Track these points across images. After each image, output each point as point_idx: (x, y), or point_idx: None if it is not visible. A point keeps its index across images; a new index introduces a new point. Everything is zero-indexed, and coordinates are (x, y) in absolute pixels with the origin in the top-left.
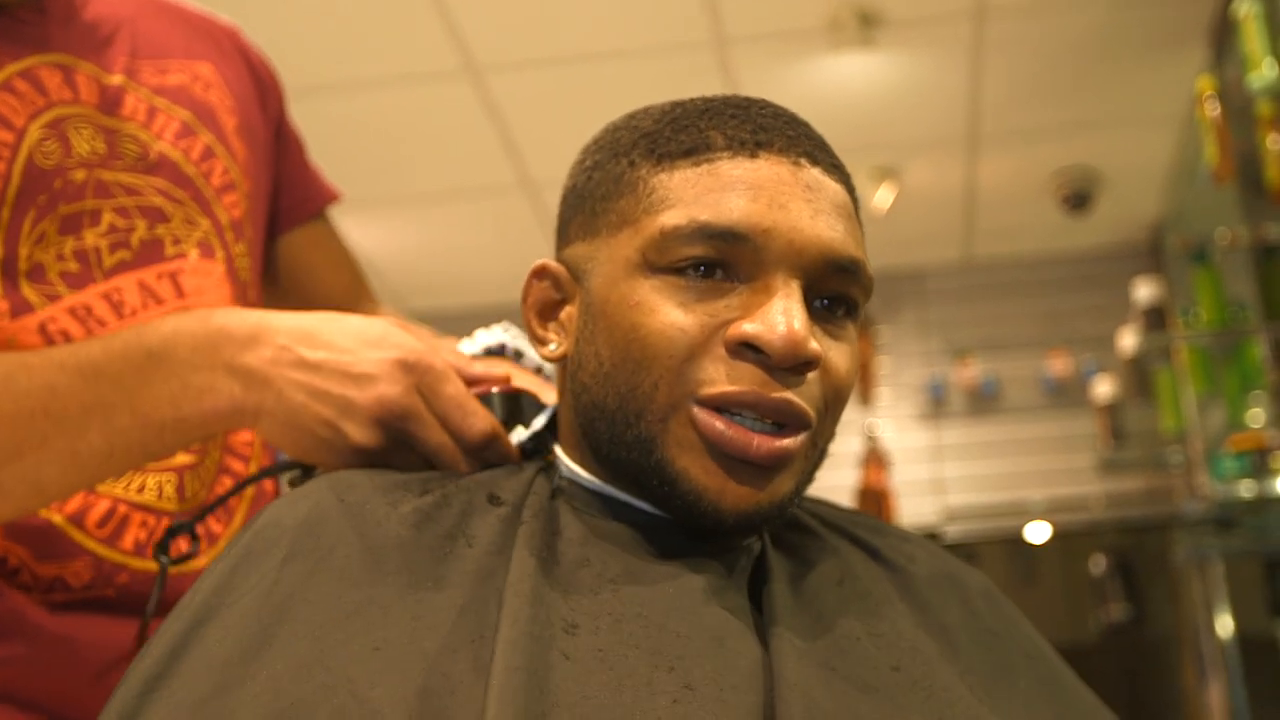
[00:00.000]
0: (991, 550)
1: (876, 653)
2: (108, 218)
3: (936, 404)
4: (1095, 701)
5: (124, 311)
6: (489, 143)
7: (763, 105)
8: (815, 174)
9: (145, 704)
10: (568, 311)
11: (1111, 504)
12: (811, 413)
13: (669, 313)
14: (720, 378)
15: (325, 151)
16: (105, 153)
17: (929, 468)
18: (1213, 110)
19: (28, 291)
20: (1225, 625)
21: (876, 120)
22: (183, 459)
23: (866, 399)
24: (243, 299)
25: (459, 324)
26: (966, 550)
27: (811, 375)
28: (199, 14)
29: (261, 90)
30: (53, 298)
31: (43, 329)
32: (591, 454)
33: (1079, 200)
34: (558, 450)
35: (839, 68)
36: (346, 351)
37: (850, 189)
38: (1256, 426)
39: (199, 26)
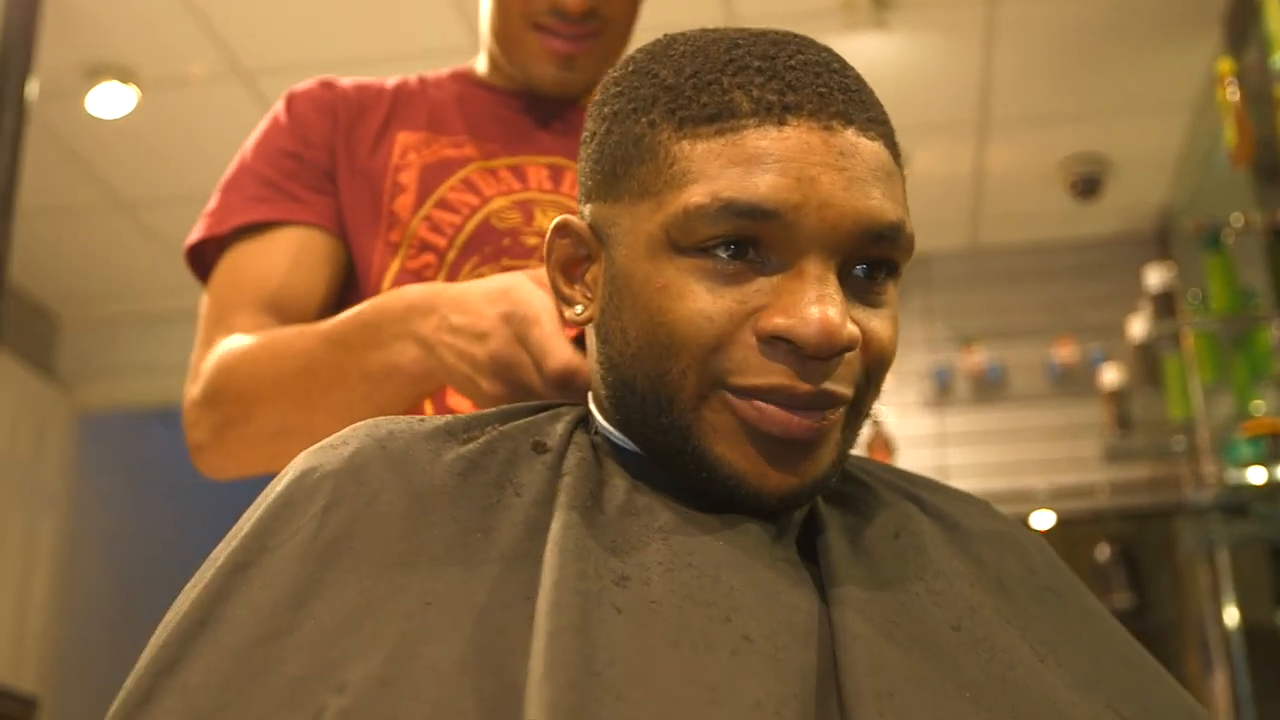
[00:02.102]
0: None
1: (936, 610)
2: None
3: (941, 391)
4: (1156, 663)
5: None
6: None
7: (792, 52)
8: (849, 137)
9: (189, 649)
10: (593, 271)
11: (1117, 492)
12: (849, 393)
13: (696, 298)
14: (750, 369)
15: None
16: None
17: (933, 454)
18: (1232, 93)
19: None
20: (1231, 615)
21: (887, 103)
22: None
23: None
24: None
25: None
26: None
27: (850, 354)
28: None
29: None
30: None
31: None
32: (622, 425)
33: (1088, 187)
34: (591, 406)
35: (850, 49)
36: (475, 313)
37: (889, 140)
38: (1260, 416)
39: None
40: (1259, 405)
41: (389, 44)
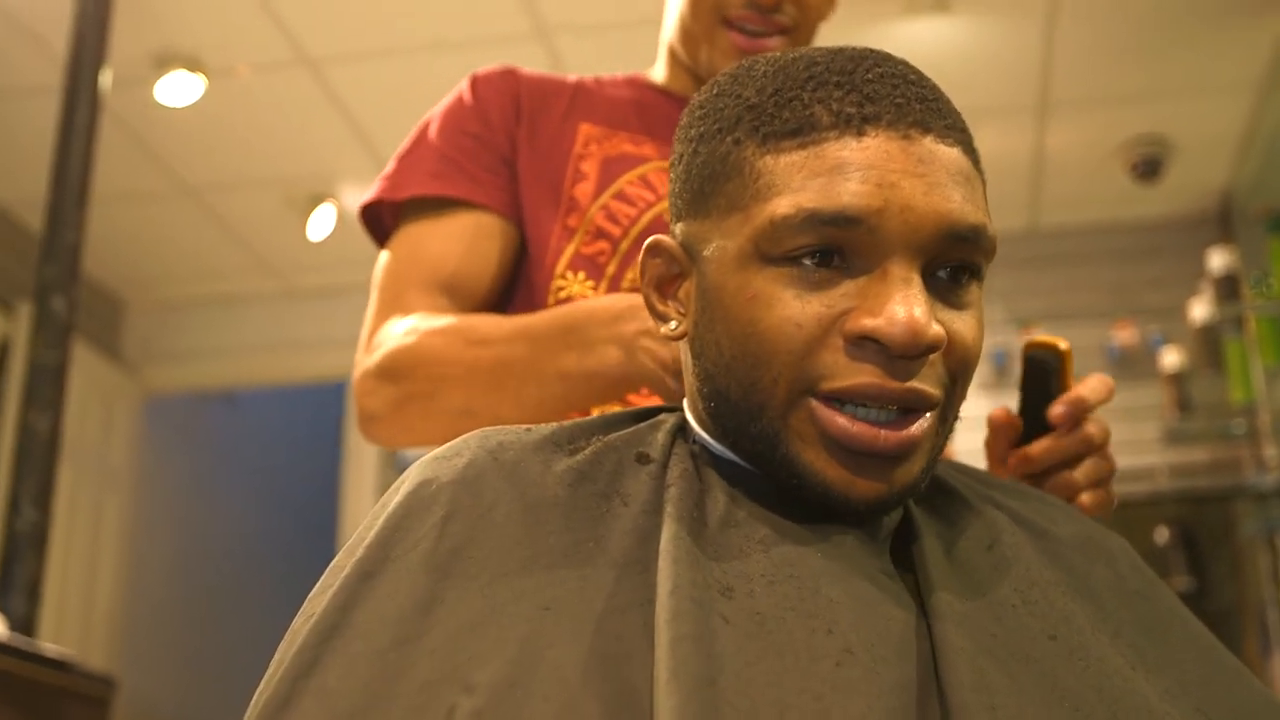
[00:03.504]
0: None
1: (1032, 621)
2: None
3: (1000, 373)
4: (1239, 663)
5: None
6: None
7: (869, 66)
8: (927, 144)
9: (323, 653)
10: (685, 288)
11: (1176, 475)
12: (938, 394)
13: (785, 306)
14: (840, 371)
15: (380, 117)
16: None
17: None
18: None
19: None
20: None
21: (947, 85)
22: None
23: None
24: None
25: None
26: None
27: (935, 355)
28: None
29: None
30: None
31: None
32: (719, 433)
33: (1149, 168)
34: (688, 415)
35: (912, 32)
36: None
37: (968, 146)
38: None
39: None
40: None
41: (452, 30)
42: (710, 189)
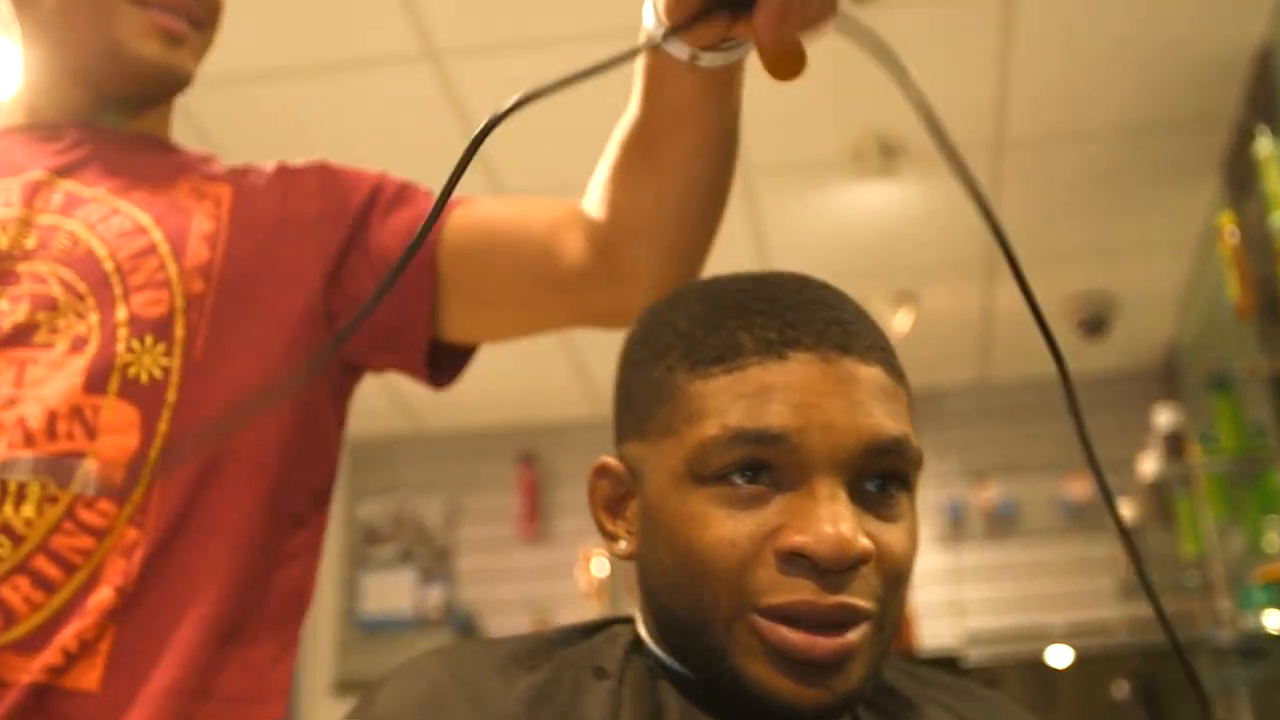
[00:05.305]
0: (1013, 674)
1: None
2: None
3: (955, 525)
4: None
5: None
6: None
7: (791, 293)
8: (847, 365)
9: None
10: (633, 507)
11: (1133, 629)
12: (870, 606)
13: (720, 525)
14: (775, 588)
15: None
16: (32, 247)
17: (948, 590)
18: (1233, 245)
19: None
20: None
21: (897, 246)
22: None
23: None
24: (131, 389)
25: None
26: (988, 674)
27: (867, 568)
28: (260, 167)
29: (321, 211)
30: None
31: None
32: (668, 649)
33: (1095, 325)
34: (641, 629)
35: (861, 196)
36: None
37: (888, 364)
38: (1273, 551)
39: (243, 170)
40: (1271, 539)
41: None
42: (648, 413)
